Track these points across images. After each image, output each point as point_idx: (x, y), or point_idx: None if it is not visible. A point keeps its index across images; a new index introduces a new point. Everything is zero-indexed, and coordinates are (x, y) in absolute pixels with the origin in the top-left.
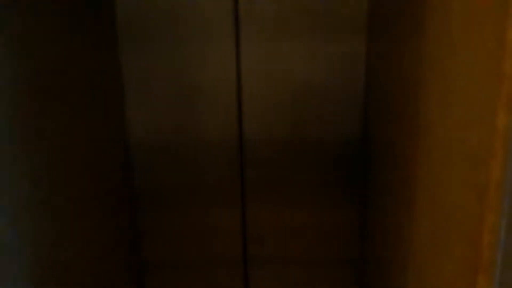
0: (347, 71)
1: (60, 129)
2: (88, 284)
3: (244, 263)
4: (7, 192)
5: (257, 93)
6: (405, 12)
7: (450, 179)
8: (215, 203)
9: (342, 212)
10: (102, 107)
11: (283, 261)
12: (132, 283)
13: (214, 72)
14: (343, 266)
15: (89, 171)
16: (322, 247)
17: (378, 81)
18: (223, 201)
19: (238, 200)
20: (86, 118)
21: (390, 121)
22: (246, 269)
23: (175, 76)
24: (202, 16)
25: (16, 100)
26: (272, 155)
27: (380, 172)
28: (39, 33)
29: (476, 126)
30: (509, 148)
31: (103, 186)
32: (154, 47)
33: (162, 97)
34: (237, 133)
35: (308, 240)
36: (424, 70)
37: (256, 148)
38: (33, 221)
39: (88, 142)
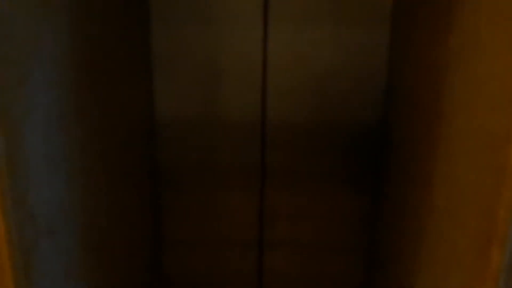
0: (370, 60)
1: (100, 103)
2: (118, 252)
3: (259, 244)
4: (65, 158)
5: (282, 78)
6: (432, 4)
7: (468, 161)
8: (234, 185)
9: (357, 199)
10: (132, 85)
11: (296, 245)
12: (149, 258)
13: (241, 55)
14: (355, 251)
15: (121, 145)
16: (335, 233)
17: (400, 70)
18: (242, 183)
19: (257, 183)
20: (119, 95)
21: (411, 109)
22: (260, 251)
23: (202, 57)
24: None
25: (74, 72)
26: (293, 140)
27: (398, 158)
28: (87, 13)
29: (496, 114)
30: None
31: (131, 160)
32: (183, 28)
33: (189, 78)
34: (260, 116)
35: (322, 226)
36: (450, 61)
37: (278, 132)
38: (84, 187)
39: (121, 117)
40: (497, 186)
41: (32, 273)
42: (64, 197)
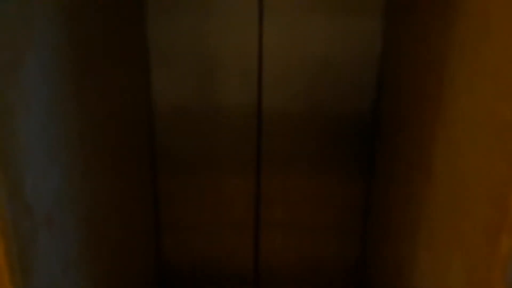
0: (364, 48)
1: (99, 91)
2: (118, 240)
3: (255, 226)
4: (64, 149)
5: (277, 66)
6: None
7: (475, 148)
8: (232, 170)
9: (350, 183)
10: (130, 74)
11: (291, 226)
12: (149, 243)
13: (237, 45)
14: (349, 232)
15: (121, 134)
16: (328, 215)
17: (395, 57)
18: (239, 168)
19: (253, 168)
20: (117, 84)
21: (406, 96)
22: (257, 232)
23: (199, 47)
24: None
25: (72, 61)
26: (288, 126)
27: (393, 143)
28: (80, 5)
29: (508, 100)
30: None
31: (131, 149)
32: (179, 19)
33: (186, 67)
34: (256, 104)
35: (315, 208)
36: (453, 47)
37: (273, 119)
38: (83, 178)
39: (120, 107)
40: (507, 175)
41: (30, 267)
42: (62, 187)
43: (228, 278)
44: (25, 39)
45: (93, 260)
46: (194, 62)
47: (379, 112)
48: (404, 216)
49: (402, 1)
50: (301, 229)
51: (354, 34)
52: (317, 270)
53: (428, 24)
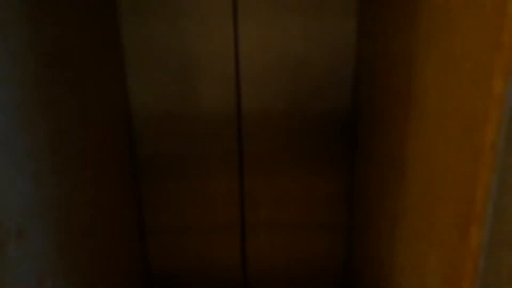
0: (339, 47)
1: (72, 99)
2: (99, 247)
3: (241, 227)
4: (31, 158)
5: (255, 68)
6: None
7: (444, 142)
8: (215, 172)
9: (332, 181)
10: (106, 80)
11: (277, 226)
12: (133, 249)
13: (213, 47)
14: (333, 229)
15: (98, 140)
16: (313, 213)
17: (368, 56)
18: (222, 170)
19: (236, 169)
20: (92, 91)
21: (380, 93)
22: (243, 233)
23: (175, 50)
24: None
25: (35, 67)
26: (268, 127)
27: (369, 140)
28: (50, 10)
29: (472, 94)
30: (503, 113)
31: (110, 155)
32: (154, 22)
33: (163, 71)
34: (235, 106)
35: (300, 207)
36: (419, 43)
37: (253, 120)
38: (55, 186)
39: (95, 113)
40: (474, 167)
41: (1, 280)
42: (32, 198)
43: (215, 281)
44: None
45: (72, 269)
46: (170, 66)
47: (357, 109)
48: (383, 213)
49: (373, 2)
50: (287, 229)
51: (330, 33)
52: (305, 269)
53: (397, 22)
